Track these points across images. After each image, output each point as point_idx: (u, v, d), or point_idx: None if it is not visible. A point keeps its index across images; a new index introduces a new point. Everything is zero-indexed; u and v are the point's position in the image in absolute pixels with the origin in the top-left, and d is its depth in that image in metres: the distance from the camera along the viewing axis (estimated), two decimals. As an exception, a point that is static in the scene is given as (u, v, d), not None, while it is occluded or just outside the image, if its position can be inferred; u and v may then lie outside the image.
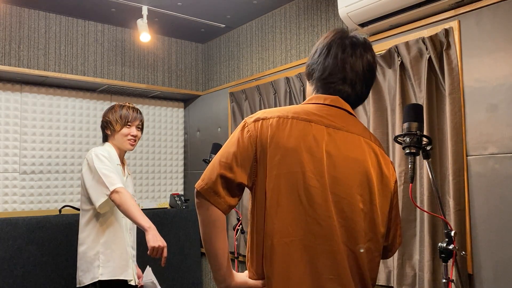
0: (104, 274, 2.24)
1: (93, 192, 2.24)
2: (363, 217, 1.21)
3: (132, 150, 2.50)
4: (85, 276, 2.27)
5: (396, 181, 1.33)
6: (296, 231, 1.16)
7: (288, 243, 1.16)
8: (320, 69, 1.28)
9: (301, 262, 1.16)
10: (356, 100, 1.33)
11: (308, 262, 1.16)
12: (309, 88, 1.36)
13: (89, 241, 2.29)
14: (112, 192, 2.18)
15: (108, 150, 2.39)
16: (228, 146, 1.21)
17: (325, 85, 1.29)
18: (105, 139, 2.49)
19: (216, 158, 1.21)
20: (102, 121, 2.48)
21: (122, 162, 2.49)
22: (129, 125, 2.43)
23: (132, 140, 2.44)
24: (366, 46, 1.30)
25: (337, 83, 1.27)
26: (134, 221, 2.18)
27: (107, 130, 2.45)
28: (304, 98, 2.85)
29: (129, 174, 2.54)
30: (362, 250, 1.21)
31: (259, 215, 1.19)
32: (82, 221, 2.35)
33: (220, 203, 1.17)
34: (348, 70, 1.27)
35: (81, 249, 2.32)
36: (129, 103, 2.52)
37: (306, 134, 1.20)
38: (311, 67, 1.32)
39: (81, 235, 2.34)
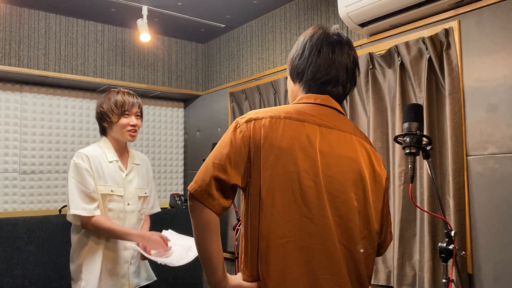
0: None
1: (67, 201, 2.12)
2: (357, 215, 1.21)
3: (133, 141, 2.25)
4: (74, 286, 2.14)
5: (387, 179, 1.34)
6: (291, 232, 1.15)
7: (284, 244, 1.15)
8: (312, 71, 1.27)
9: (297, 263, 1.15)
10: (344, 98, 1.34)
11: (305, 262, 1.15)
12: (295, 88, 1.34)
13: (76, 250, 2.13)
14: (77, 216, 2.06)
15: (97, 151, 2.18)
16: (221, 147, 1.20)
17: (318, 86, 1.28)
18: (103, 132, 2.25)
19: (209, 160, 1.19)
20: (97, 112, 2.21)
21: (126, 153, 2.29)
22: (127, 115, 2.17)
23: (132, 131, 2.18)
24: (350, 44, 1.32)
25: (330, 84, 1.28)
26: (120, 239, 2.12)
27: (104, 122, 2.19)
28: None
29: (137, 165, 2.31)
30: (362, 250, 1.21)
31: (253, 216, 1.18)
32: (72, 227, 2.19)
33: (214, 205, 1.15)
34: (340, 70, 1.27)
35: (71, 257, 2.17)
36: (123, 89, 2.26)
37: (299, 134, 1.20)
38: (300, 67, 1.30)
39: (72, 242, 2.17)
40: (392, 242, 2.25)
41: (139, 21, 3.20)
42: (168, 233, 2.31)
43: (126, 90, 2.24)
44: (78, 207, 2.04)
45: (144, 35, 3.23)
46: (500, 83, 1.97)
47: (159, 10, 3.23)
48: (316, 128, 1.22)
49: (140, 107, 2.24)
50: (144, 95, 3.85)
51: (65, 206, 3.21)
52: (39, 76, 3.15)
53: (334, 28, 1.32)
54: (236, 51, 3.67)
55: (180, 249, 2.22)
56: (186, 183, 4.09)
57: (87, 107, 3.53)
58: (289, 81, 1.37)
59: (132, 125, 2.18)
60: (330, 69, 1.26)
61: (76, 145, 3.44)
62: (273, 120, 1.21)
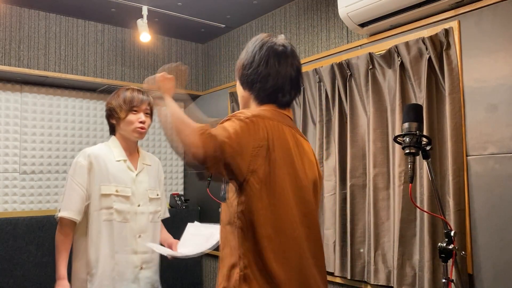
0: None
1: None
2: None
3: (141, 139, 2.16)
4: None
5: (318, 165, 1.53)
6: (294, 227, 1.31)
7: (288, 235, 1.29)
8: (262, 81, 1.36)
9: (297, 253, 1.30)
10: (291, 104, 1.46)
11: (300, 250, 1.31)
12: (245, 94, 1.43)
13: (79, 256, 2.00)
14: (59, 218, 1.97)
15: (104, 149, 2.09)
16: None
17: (267, 95, 1.38)
18: (112, 130, 2.16)
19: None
20: (105, 110, 2.13)
21: (137, 152, 2.20)
22: (135, 111, 2.07)
23: (140, 128, 2.08)
24: (293, 54, 1.42)
25: (278, 93, 1.38)
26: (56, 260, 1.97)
27: (112, 119, 2.10)
28: (304, 98, 2.85)
29: (148, 165, 2.22)
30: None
31: (262, 207, 1.27)
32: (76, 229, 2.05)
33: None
34: (285, 80, 1.38)
35: (73, 265, 2.03)
36: (133, 86, 2.17)
37: (289, 137, 1.35)
38: (250, 77, 1.38)
39: (74, 247, 2.02)
40: (392, 242, 2.26)
41: (139, 21, 3.20)
42: (194, 225, 2.33)
43: (136, 87, 2.15)
44: (68, 209, 1.97)
45: (144, 35, 3.23)
46: (500, 83, 1.97)
47: (159, 10, 3.23)
48: (295, 133, 1.39)
49: (150, 105, 2.13)
50: (144, 95, 3.84)
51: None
52: (39, 76, 3.15)
53: (281, 38, 1.42)
54: (236, 51, 3.67)
55: (201, 238, 2.18)
56: (186, 183, 4.09)
57: (87, 107, 3.53)
58: (239, 87, 1.46)
59: (141, 122, 2.07)
60: (277, 80, 1.36)
61: (76, 145, 3.44)
62: (275, 123, 1.35)
